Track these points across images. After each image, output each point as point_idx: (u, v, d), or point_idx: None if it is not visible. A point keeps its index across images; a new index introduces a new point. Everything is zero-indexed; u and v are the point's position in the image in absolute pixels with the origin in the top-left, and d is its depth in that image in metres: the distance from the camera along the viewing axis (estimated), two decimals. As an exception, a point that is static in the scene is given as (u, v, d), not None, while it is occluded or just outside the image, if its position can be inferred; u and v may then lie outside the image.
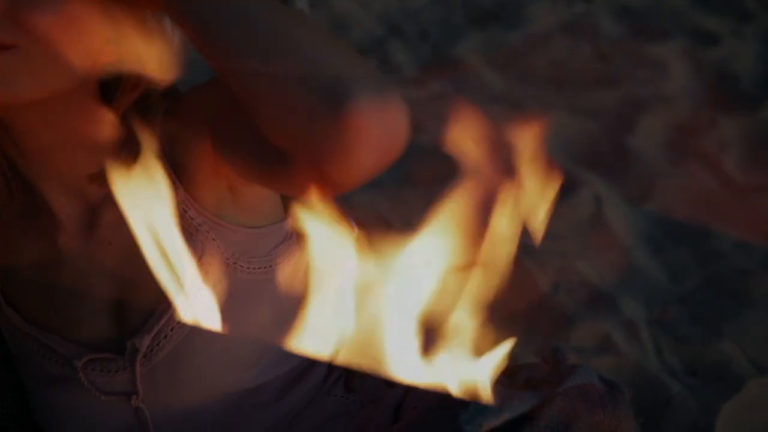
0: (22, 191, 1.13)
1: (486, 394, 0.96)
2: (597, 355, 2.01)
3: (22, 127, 1.06)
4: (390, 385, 1.31)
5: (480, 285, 0.99)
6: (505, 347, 1.00)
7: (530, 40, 3.89)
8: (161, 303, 1.13)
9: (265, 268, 1.17)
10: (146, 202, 1.13)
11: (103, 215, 1.13)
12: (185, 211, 1.11)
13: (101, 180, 1.12)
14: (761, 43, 3.63)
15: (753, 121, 3.08)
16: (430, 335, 0.94)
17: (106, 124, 1.10)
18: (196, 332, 1.14)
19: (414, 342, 0.91)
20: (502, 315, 2.23)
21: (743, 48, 3.58)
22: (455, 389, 0.94)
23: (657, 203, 2.67)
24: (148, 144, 1.11)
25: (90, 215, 1.14)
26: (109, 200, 1.13)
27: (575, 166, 2.85)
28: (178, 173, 1.11)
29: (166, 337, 1.14)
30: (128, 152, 1.11)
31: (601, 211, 2.60)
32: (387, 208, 2.70)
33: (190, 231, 1.10)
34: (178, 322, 1.13)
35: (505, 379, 1.18)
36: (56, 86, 1.02)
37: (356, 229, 1.12)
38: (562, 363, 1.14)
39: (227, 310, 1.14)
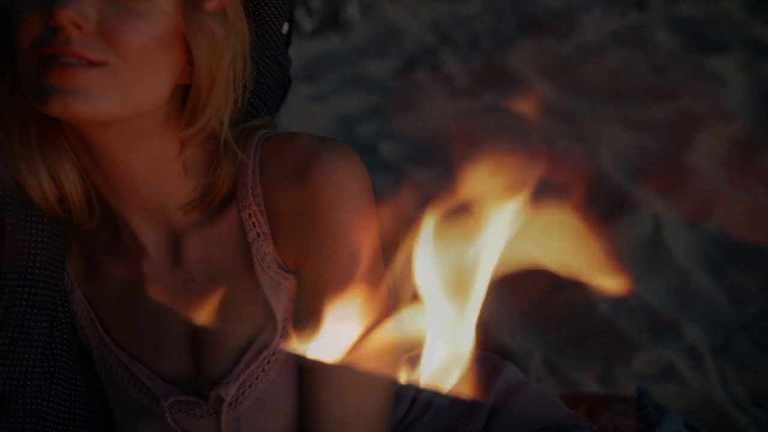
0: (104, 215, 1.13)
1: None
2: (660, 383, 1.97)
3: (106, 148, 1.06)
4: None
5: None
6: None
7: (582, 50, 3.84)
8: (245, 352, 1.13)
9: None
10: (232, 243, 1.12)
11: (187, 248, 1.13)
12: (270, 259, 1.10)
13: (186, 208, 1.11)
14: (823, 57, 3.55)
15: (815, 138, 3.02)
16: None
17: (189, 149, 1.09)
18: (279, 380, 1.13)
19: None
20: (561, 337, 2.21)
21: (804, 61, 3.51)
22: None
23: (716, 223, 2.62)
24: (241, 180, 1.10)
25: (173, 245, 1.13)
26: (193, 231, 1.13)
27: (631, 183, 2.80)
28: (271, 220, 1.09)
29: (251, 386, 1.13)
30: (215, 184, 1.11)
31: (659, 231, 2.55)
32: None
33: (275, 279, 1.09)
34: (263, 371, 1.13)
35: (593, 425, 1.16)
36: (141, 105, 1.03)
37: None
38: (648, 408, 1.11)
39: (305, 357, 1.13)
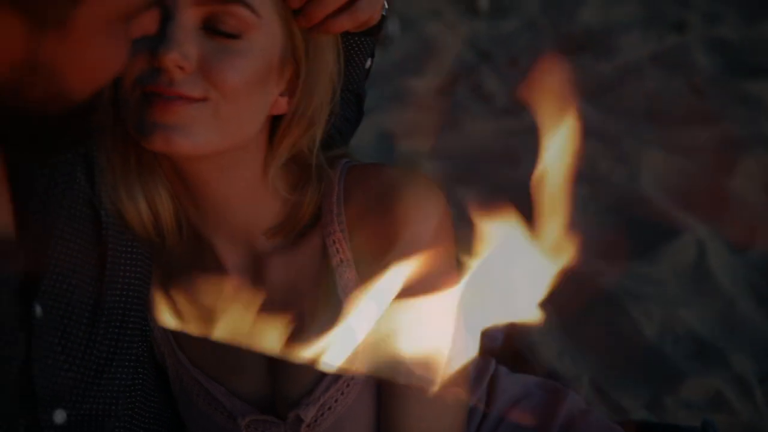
0: (192, 238, 1.16)
1: None
2: (709, 411, 1.98)
3: (199, 177, 1.10)
4: None
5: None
6: None
7: (621, 72, 3.85)
8: (325, 374, 1.14)
9: None
10: (315, 268, 1.15)
11: (269, 271, 1.15)
12: (352, 285, 1.12)
13: (270, 232, 1.14)
14: None
15: None
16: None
17: (277, 175, 1.13)
18: (358, 402, 1.15)
19: None
20: (608, 361, 2.22)
21: None
22: None
23: (760, 250, 2.63)
24: (325, 207, 1.13)
25: (255, 267, 1.16)
26: (276, 255, 1.15)
27: (674, 207, 2.81)
28: (354, 247, 1.12)
29: (330, 408, 1.15)
30: (300, 209, 1.14)
31: (703, 257, 2.56)
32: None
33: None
34: (342, 395, 1.15)
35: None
36: (237, 138, 1.06)
37: None
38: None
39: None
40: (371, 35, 1.22)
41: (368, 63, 1.30)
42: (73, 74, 0.78)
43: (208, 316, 1.20)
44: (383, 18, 1.17)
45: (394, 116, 3.49)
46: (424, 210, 1.11)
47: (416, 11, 4.18)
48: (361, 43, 1.25)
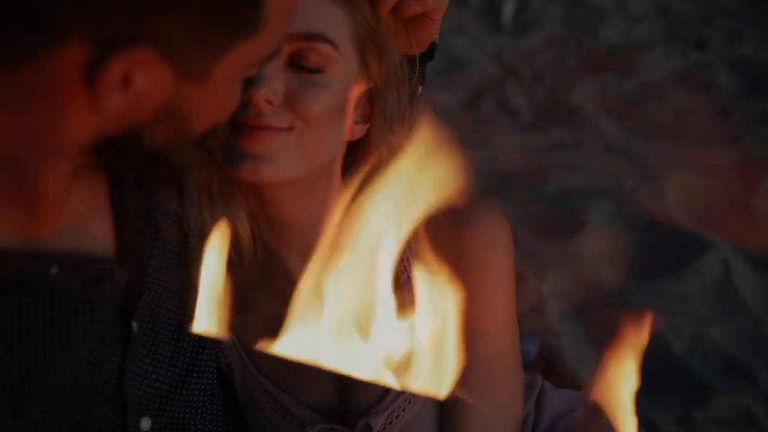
0: (265, 256, 1.22)
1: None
2: (738, 429, 2.03)
3: (278, 200, 1.15)
4: None
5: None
6: None
7: (645, 89, 3.91)
8: None
9: None
10: (380, 284, 1.20)
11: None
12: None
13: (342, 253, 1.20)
14: None
15: None
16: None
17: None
18: (424, 410, 1.20)
19: None
20: (639, 380, 2.26)
21: None
22: None
23: (785, 269, 2.67)
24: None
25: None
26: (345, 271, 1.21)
27: (699, 226, 2.86)
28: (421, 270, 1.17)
29: (398, 416, 1.21)
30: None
31: (729, 275, 2.61)
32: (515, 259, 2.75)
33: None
34: (409, 403, 1.20)
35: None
36: (318, 164, 1.12)
37: None
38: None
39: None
40: (425, 62, 1.28)
41: (419, 91, 1.36)
42: (201, 116, 0.84)
43: (278, 329, 1.25)
44: (434, 45, 1.23)
45: (422, 130, 3.54)
46: (493, 232, 1.17)
47: (441, 27, 4.24)
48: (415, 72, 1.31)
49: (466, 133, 3.51)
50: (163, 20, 0.73)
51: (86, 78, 0.75)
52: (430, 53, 1.24)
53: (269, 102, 1.05)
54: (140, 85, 0.76)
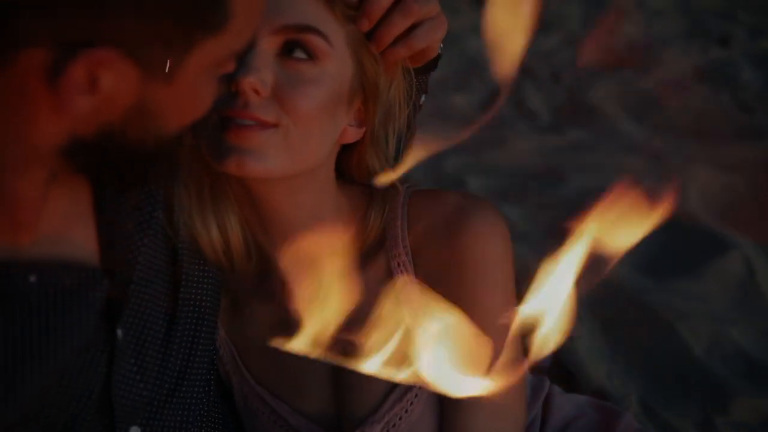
0: (260, 261, 1.21)
1: None
2: None
3: (269, 201, 1.14)
4: None
5: None
6: None
7: (664, 87, 3.85)
8: (390, 393, 1.18)
9: None
10: (379, 289, 1.18)
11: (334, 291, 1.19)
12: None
13: (336, 255, 1.18)
14: None
15: None
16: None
17: (343, 200, 1.17)
18: (421, 419, 1.18)
19: None
20: (657, 380, 2.22)
21: None
22: None
23: (809, 267, 2.61)
24: (390, 231, 1.17)
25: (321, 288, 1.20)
26: (341, 277, 1.19)
27: (721, 225, 2.80)
28: (417, 270, 1.15)
29: (394, 425, 1.19)
30: (364, 232, 1.17)
31: (751, 274, 2.55)
32: (534, 260, 2.71)
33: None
34: (406, 412, 1.18)
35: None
36: (306, 164, 1.10)
37: None
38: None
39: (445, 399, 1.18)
40: (427, 72, 1.25)
41: (422, 100, 1.34)
42: (172, 114, 0.83)
43: (273, 335, 1.24)
44: (438, 56, 1.20)
45: (438, 132, 3.52)
46: (489, 234, 1.15)
47: (458, 28, 4.22)
48: (421, 82, 1.28)
49: (484, 135, 3.48)
50: (123, 19, 0.72)
51: (50, 82, 0.74)
52: (434, 63, 1.21)
53: (256, 92, 1.03)
54: (107, 85, 0.75)
